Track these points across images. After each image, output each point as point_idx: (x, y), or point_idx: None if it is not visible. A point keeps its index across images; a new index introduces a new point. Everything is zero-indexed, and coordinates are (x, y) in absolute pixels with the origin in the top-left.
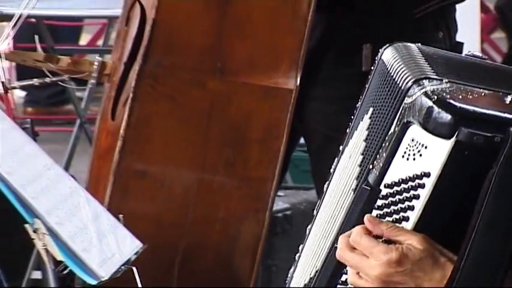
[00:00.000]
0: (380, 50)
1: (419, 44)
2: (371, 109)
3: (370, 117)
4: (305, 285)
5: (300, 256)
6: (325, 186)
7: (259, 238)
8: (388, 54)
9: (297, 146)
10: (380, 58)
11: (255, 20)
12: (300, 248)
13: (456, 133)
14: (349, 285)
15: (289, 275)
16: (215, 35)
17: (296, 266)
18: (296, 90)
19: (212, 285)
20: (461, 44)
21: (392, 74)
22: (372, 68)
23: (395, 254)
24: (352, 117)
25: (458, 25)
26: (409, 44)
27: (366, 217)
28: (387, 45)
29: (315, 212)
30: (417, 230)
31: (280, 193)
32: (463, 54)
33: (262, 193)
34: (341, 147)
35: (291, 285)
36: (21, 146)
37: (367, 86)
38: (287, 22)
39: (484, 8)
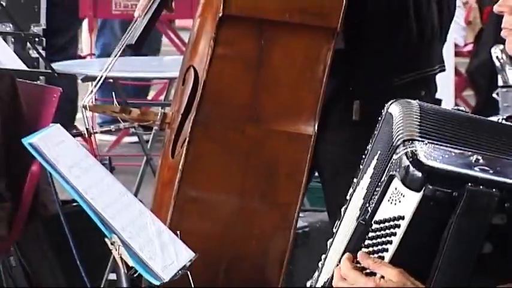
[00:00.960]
0: (368, 103)
1: (418, 101)
2: (379, 152)
3: (377, 159)
4: (324, 282)
5: (323, 263)
6: (343, 209)
7: (286, 251)
8: (394, 109)
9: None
10: (387, 110)
11: (282, 81)
12: (323, 257)
13: (423, 188)
14: None
15: (314, 278)
16: (251, 92)
17: (321, 270)
18: (314, 136)
19: (249, 286)
20: (440, 100)
21: (393, 128)
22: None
23: (373, 285)
24: (364, 156)
25: (438, 85)
26: (411, 100)
27: (359, 253)
28: (394, 100)
29: (334, 229)
30: (394, 260)
31: (300, 214)
32: (450, 108)
33: (288, 215)
34: (355, 179)
35: (317, 285)
36: (102, 178)
37: (376, 132)
38: (307, 84)
39: (457, 72)
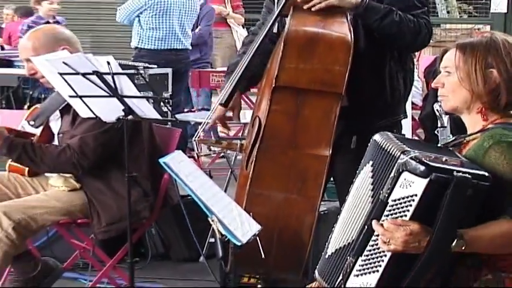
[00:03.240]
0: (361, 137)
1: (390, 133)
2: (371, 161)
3: (372, 165)
4: (340, 247)
5: (332, 235)
6: (347, 198)
7: (313, 225)
8: (378, 137)
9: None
10: (373, 139)
11: (310, 125)
12: (333, 230)
13: (429, 176)
14: (377, 249)
15: (326, 246)
16: (292, 131)
17: (330, 239)
18: (329, 156)
19: (291, 256)
20: (404, 135)
21: (384, 147)
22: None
23: (404, 233)
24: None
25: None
26: (387, 132)
27: (389, 220)
28: (377, 133)
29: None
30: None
31: (321, 203)
32: None
33: (314, 203)
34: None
35: (328, 250)
36: (205, 182)
37: (366, 152)
38: (324, 126)
39: (413, 119)
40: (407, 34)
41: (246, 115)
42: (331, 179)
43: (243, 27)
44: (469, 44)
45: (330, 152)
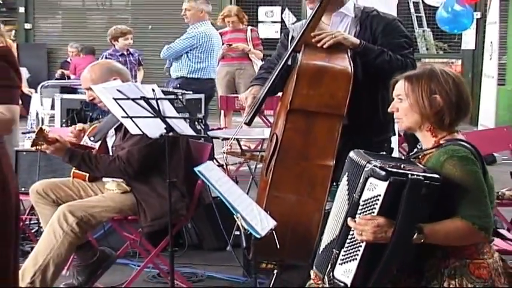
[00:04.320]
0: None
1: (362, 150)
2: (347, 173)
3: (347, 176)
4: (328, 243)
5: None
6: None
7: (320, 221)
8: (352, 154)
9: None
10: (348, 156)
11: (318, 140)
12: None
13: (389, 179)
14: (355, 241)
15: (319, 243)
16: (303, 146)
17: (322, 238)
18: (333, 166)
19: (302, 246)
20: (393, 148)
21: (355, 160)
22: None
23: (373, 225)
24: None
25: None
26: (359, 150)
27: (361, 217)
28: (351, 151)
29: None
30: None
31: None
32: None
33: (321, 203)
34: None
35: (320, 247)
36: (232, 186)
37: (344, 166)
38: (329, 141)
39: (399, 135)
40: (396, 69)
41: (264, 132)
42: (334, 183)
43: (262, 60)
44: (414, 75)
45: (334, 162)
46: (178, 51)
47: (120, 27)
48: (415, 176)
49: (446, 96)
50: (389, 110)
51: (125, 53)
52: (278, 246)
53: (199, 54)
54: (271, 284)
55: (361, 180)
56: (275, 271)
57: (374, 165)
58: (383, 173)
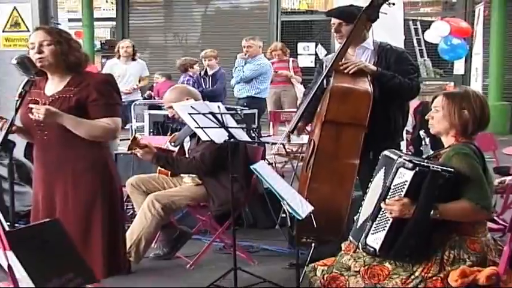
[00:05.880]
0: (378, 152)
1: (394, 150)
2: (383, 166)
3: (384, 169)
4: (364, 220)
5: (360, 214)
6: (368, 190)
7: (348, 206)
8: (387, 152)
9: None
10: (383, 154)
11: (346, 145)
12: (359, 211)
13: (415, 169)
14: (384, 216)
15: (356, 221)
16: (334, 149)
17: (359, 216)
18: (357, 164)
19: (333, 225)
20: (401, 150)
21: (389, 156)
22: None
23: (399, 205)
24: (374, 173)
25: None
26: (393, 149)
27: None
28: (386, 150)
29: (362, 202)
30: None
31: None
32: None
33: (349, 193)
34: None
35: (357, 223)
36: (279, 179)
37: (379, 161)
38: (355, 144)
39: (406, 140)
40: (405, 90)
41: (303, 138)
42: (357, 177)
43: (301, 84)
44: (451, 93)
45: (358, 161)
46: (249, 77)
47: (189, 59)
48: (435, 168)
49: (473, 113)
50: (426, 117)
51: (194, 76)
52: (315, 226)
53: (263, 79)
54: (310, 254)
55: (393, 170)
56: (313, 244)
57: (404, 159)
58: (411, 164)
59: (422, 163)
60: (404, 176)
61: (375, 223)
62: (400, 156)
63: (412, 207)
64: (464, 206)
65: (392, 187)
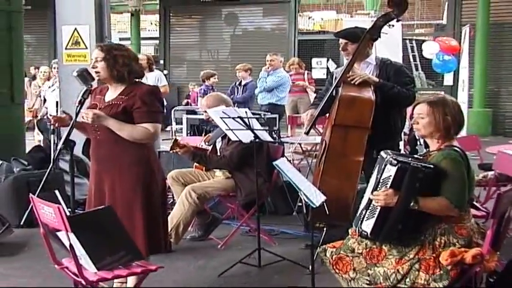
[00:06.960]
0: (380, 150)
1: (389, 150)
2: (378, 164)
3: (378, 166)
4: (362, 208)
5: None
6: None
7: (354, 197)
8: (382, 153)
9: None
10: (380, 154)
11: (352, 144)
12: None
13: (397, 165)
14: (374, 205)
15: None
16: (342, 148)
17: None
18: (362, 160)
19: (342, 212)
20: (400, 149)
21: (382, 156)
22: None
23: (384, 195)
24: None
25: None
26: (388, 150)
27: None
28: (382, 151)
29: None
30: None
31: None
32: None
33: (355, 185)
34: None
35: (358, 212)
36: (296, 173)
37: (377, 160)
38: (360, 144)
39: (404, 140)
40: (402, 98)
41: (317, 139)
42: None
43: (314, 93)
44: (433, 101)
45: (363, 158)
46: (271, 87)
47: (207, 72)
48: (415, 165)
49: (454, 117)
50: (411, 122)
51: (212, 86)
52: (327, 213)
53: (283, 89)
54: (322, 236)
55: (382, 167)
56: (325, 228)
57: (391, 157)
58: (394, 161)
59: (405, 160)
60: (390, 171)
61: (367, 211)
62: (388, 155)
63: (395, 197)
64: (442, 202)
65: (381, 180)
